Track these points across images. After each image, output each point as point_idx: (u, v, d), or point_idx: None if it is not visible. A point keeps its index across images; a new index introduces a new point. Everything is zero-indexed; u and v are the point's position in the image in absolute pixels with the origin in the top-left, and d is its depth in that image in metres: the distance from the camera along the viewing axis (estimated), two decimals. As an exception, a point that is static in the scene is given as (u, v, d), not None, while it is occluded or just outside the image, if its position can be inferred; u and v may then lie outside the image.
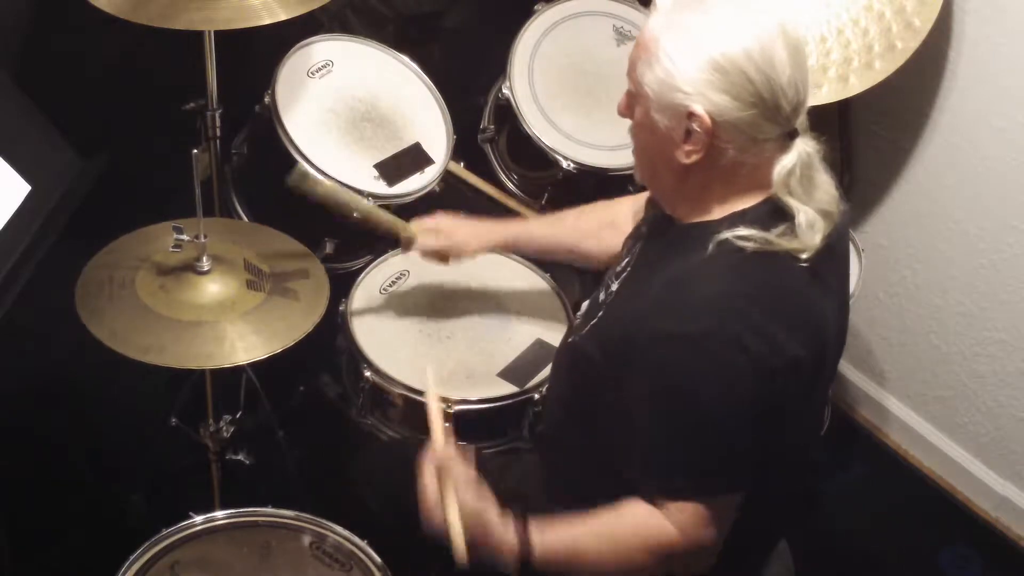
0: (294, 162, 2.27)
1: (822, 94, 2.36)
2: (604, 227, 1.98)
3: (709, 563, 1.60)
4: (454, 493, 1.58)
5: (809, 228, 1.50)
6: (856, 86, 2.37)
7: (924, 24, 2.34)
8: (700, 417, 1.51)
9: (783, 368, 1.49)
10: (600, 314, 1.70)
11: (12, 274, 1.89)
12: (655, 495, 1.56)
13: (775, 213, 1.52)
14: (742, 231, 1.50)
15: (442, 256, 2.11)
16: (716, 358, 1.48)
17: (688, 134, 1.50)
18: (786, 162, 1.50)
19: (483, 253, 2.14)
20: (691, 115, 1.48)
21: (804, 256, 1.51)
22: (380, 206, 2.14)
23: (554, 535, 1.59)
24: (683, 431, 1.53)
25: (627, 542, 1.58)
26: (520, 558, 1.58)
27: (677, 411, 1.52)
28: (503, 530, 1.58)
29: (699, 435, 1.52)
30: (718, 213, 1.56)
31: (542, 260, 2.23)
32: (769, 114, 1.48)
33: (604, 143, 2.52)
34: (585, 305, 1.81)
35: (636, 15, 2.66)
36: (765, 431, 1.53)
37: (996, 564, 2.69)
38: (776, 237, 1.50)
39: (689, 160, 1.52)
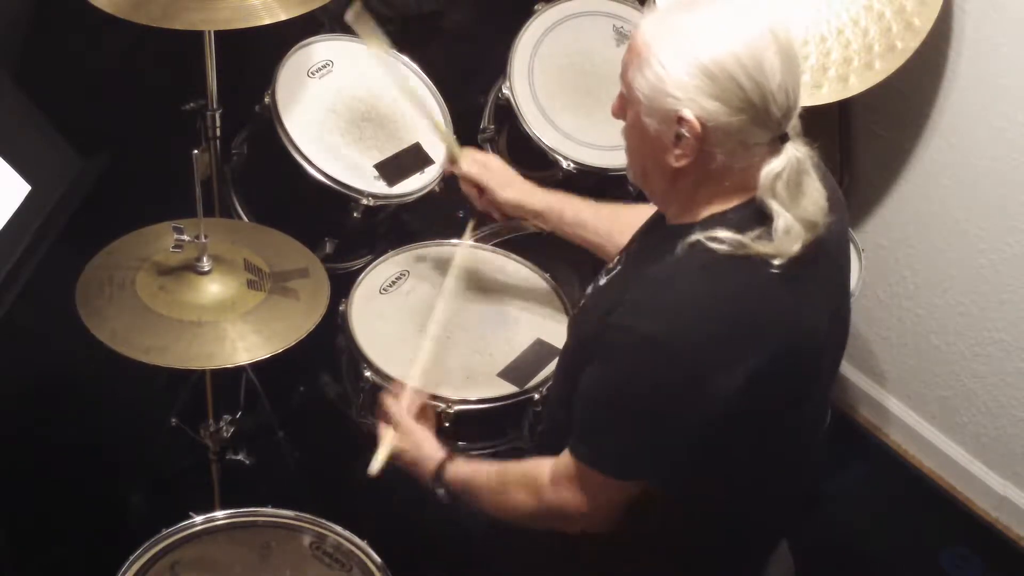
0: (294, 162, 2.27)
1: (822, 94, 2.36)
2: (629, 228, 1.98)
3: (573, 531, 1.68)
4: (403, 418, 1.85)
5: (786, 234, 1.49)
6: (856, 86, 2.37)
7: (924, 24, 2.34)
8: (623, 403, 1.54)
9: (737, 377, 1.49)
10: (581, 306, 1.74)
11: (12, 274, 1.89)
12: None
13: (755, 216, 1.52)
14: (716, 233, 1.50)
15: (478, 188, 2.11)
16: (661, 362, 1.49)
17: (678, 138, 1.50)
18: (775, 166, 1.49)
19: (515, 207, 2.10)
20: (681, 120, 1.48)
21: (777, 262, 1.50)
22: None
23: (466, 462, 1.80)
24: (603, 406, 1.58)
25: (509, 477, 1.73)
26: (433, 473, 1.78)
27: (606, 390, 1.57)
28: (431, 451, 1.81)
29: (610, 415, 1.57)
30: (702, 214, 1.56)
31: (569, 241, 2.17)
32: (759, 119, 1.47)
33: (604, 143, 2.52)
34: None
35: (636, 15, 2.65)
36: (708, 437, 1.53)
37: (996, 564, 2.69)
38: (750, 241, 1.50)
39: (679, 164, 1.52)
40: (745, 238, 1.49)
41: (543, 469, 1.67)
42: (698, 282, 1.50)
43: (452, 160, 2.15)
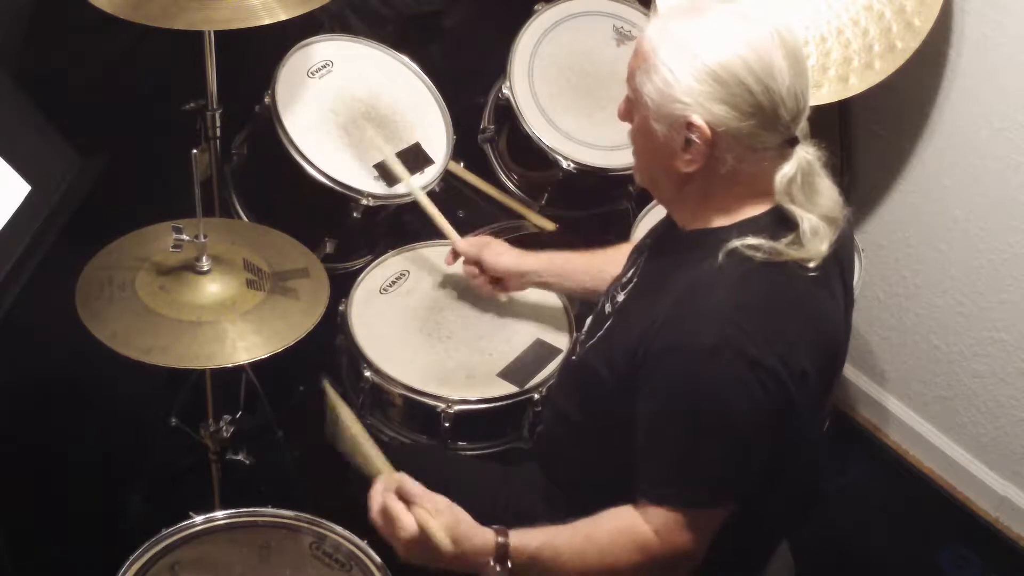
0: (294, 162, 2.27)
1: (822, 94, 2.36)
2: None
3: (686, 571, 1.58)
4: (422, 507, 1.54)
5: (814, 236, 1.50)
6: (856, 86, 2.37)
7: (924, 24, 2.34)
8: (700, 429, 1.50)
9: (791, 382, 1.49)
10: (607, 326, 1.69)
11: (12, 274, 1.89)
12: (641, 498, 1.56)
13: (782, 222, 1.52)
14: (751, 240, 1.50)
15: (478, 265, 2.14)
16: (725, 371, 1.47)
17: (687, 144, 1.50)
18: (787, 170, 1.50)
19: (508, 271, 2.12)
20: (690, 125, 1.48)
21: (812, 265, 1.51)
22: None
23: (531, 532, 1.57)
24: (680, 441, 1.52)
25: (603, 539, 1.57)
26: (497, 554, 1.54)
27: (678, 421, 1.52)
28: (478, 531, 1.55)
29: (695, 447, 1.51)
30: (721, 220, 1.56)
31: (571, 294, 2.20)
32: (768, 123, 1.48)
33: (604, 143, 2.52)
34: (588, 321, 1.80)
35: (636, 15, 2.66)
36: (767, 445, 1.52)
37: (996, 564, 2.69)
38: (784, 247, 1.50)
39: (688, 169, 1.52)
40: (779, 244, 1.50)
41: (640, 525, 1.55)
42: (742, 289, 1.50)
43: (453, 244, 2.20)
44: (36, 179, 1.97)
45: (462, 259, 2.18)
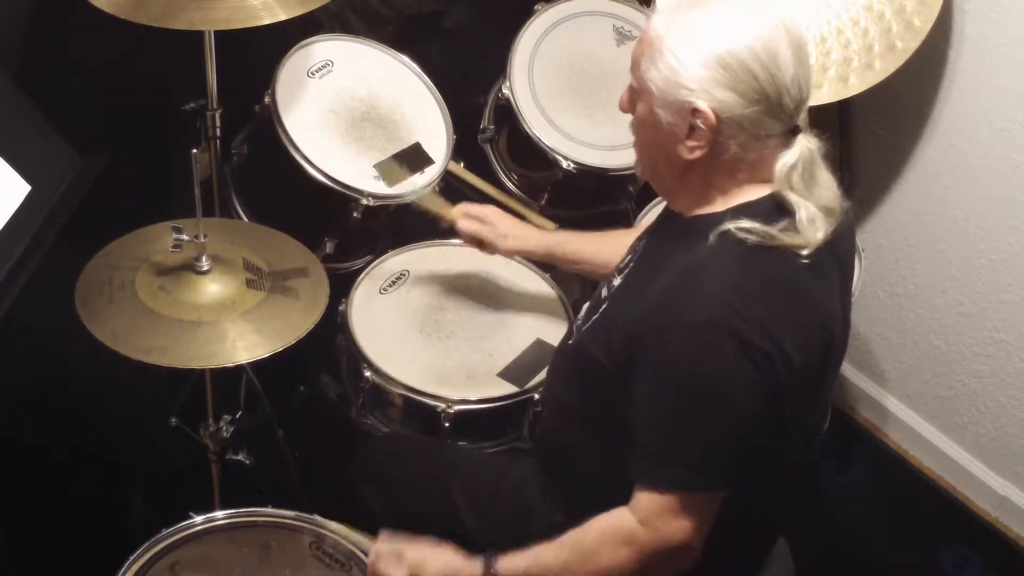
0: (295, 162, 2.27)
1: (822, 94, 2.37)
2: None
3: (686, 565, 1.58)
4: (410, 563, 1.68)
5: (810, 224, 1.51)
6: (856, 86, 2.37)
7: (924, 24, 2.35)
8: (692, 408, 1.50)
9: (781, 365, 1.49)
10: (602, 309, 1.69)
11: (12, 274, 1.89)
12: (634, 481, 1.56)
13: (778, 208, 1.53)
14: (745, 223, 1.51)
15: (479, 243, 2.14)
16: (718, 351, 1.47)
17: (692, 130, 1.51)
18: (788, 158, 1.51)
19: (518, 253, 2.15)
20: (695, 111, 1.49)
21: (805, 252, 1.52)
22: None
23: (518, 556, 1.64)
24: (672, 420, 1.52)
25: (589, 544, 1.60)
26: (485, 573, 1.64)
27: (671, 400, 1.52)
28: (466, 564, 1.65)
29: (686, 426, 1.52)
30: (720, 206, 1.56)
31: (573, 271, 2.20)
32: (773, 111, 1.49)
33: (604, 143, 2.52)
34: (585, 306, 1.80)
35: (636, 15, 2.66)
36: (759, 429, 1.52)
37: (996, 564, 2.69)
38: (778, 232, 1.51)
39: (692, 156, 1.53)
40: (773, 229, 1.51)
41: (625, 518, 1.56)
42: (735, 270, 1.50)
43: (449, 223, 2.19)
44: (36, 179, 1.97)
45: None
